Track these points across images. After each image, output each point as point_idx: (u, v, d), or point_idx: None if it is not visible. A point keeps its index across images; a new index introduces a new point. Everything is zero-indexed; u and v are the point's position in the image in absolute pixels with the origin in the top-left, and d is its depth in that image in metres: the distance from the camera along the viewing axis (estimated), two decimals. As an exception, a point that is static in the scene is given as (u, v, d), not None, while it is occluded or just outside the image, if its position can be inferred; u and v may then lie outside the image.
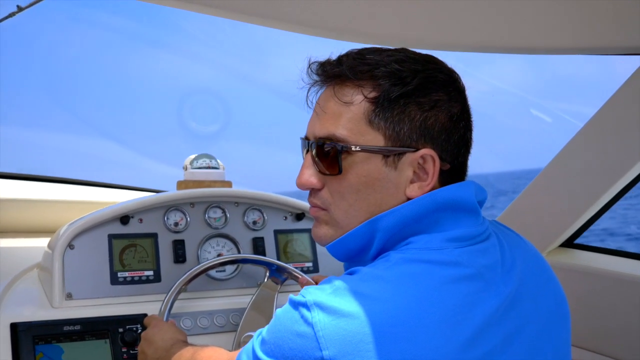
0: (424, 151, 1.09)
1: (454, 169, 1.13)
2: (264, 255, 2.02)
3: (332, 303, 0.98)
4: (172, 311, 1.74)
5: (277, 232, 2.08)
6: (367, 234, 1.11)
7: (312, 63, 1.15)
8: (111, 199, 2.40)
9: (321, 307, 0.98)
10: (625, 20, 1.54)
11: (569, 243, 1.99)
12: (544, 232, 1.97)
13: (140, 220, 1.92)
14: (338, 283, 1.02)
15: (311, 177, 1.15)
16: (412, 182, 1.10)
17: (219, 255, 1.99)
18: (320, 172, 1.14)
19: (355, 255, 1.16)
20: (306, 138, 1.17)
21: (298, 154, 1.22)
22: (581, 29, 1.61)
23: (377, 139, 1.08)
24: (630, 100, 1.68)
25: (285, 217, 2.11)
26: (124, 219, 1.89)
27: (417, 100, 1.08)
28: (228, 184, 2.13)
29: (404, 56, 1.11)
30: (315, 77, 1.15)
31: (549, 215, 1.96)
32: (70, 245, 1.81)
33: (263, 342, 1.03)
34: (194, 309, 1.87)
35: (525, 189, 1.98)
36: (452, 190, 1.11)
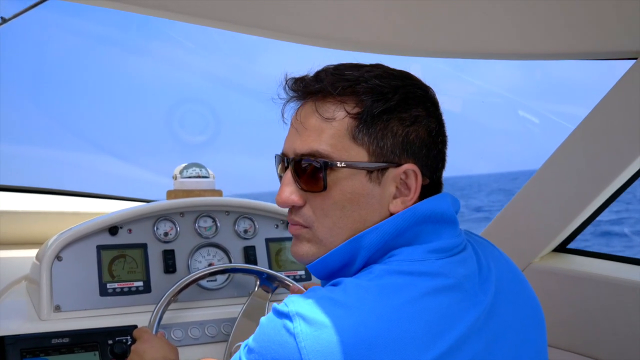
0: (407, 166, 1.09)
1: (432, 183, 1.14)
2: (256, 264, 2.00)
3: (314, 314, 0.98)
4: (163, 322, 1.72)
5: (268, 241, 2.07)
6: (350, 252, 1.11)
7: (289, 79, 1.14)
8: (100, 210, 2.38)
9: (303, 317, 0.98)
10: (617, 25, 1.54)
11: (562, 248, 1.99)
12: (537, 237, 1.96)
13: (130, 230, 1.90)
14: (321, 293, 1.02)
15: (292, 194, 1.13)
16: (394, 197, 1.10)
17: (209, 264, 1.97)
18: (302, 189, 1.12)
19: (337, 272, 1.15)
20: (283, 154, 1.16)
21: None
22: (573, 34, 1.61)
23: (360, 155, 1.08)
24: (620, 103, 1.68)
25: (277, 225, 2.10)
26: (113, 230, 1.87)
27: (399, 115, 1.09)
28: (218, 192, 2.11)
29: (382, 72, 1.11)
30: (292, 93, 1.14)
31: (542, 220, 1.95)
32: (59, 257, 1.78)
33: (249, 351, 1.03)
34: (184, 320, 1.85)
35: (517, 193, 1.98)
36: (431, 203, 1.12)
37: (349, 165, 1.07)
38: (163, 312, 1.71)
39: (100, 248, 1.85)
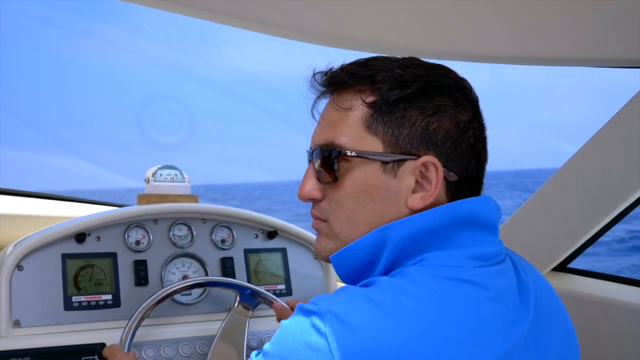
0: (426, 158, 1.00)
1: (463, 181, 1.04)
2: (234, 276, 1.87)
3: (348, 313, 0.88)
4: (134, 340, 1.57)
5: (247, 252, 1.93)
6: (376, 245, 1.02)
7: (316, 73, 1.09)
8: (65, 214, 2.20)
9: (336, 316, 0.88)
10: (630, 31, 1.46)
11: (562, 267, 1.90)
12: (536, 255, 1.87)
13: (98, 238, 1.74)
14: (355, 291, 0.93)
15: (312, 187, 1.09)
16: (414, 192, 1.02)
17: (184, 277, 1.82)
18: (319, 181, 1.08)
19: (361, 270, 1.05)
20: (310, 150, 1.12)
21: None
22: (584, 39, 1.53)
23: (375, 145, 1.02)
24: (633, 120, 1.60)
25: (256, 235, 1.96)
26: (80, 237, 1.71)
27: (418, 104, 1.01)
28: (194, 198, 1.97)
29: (408, 62, 1.05)
30: (320, 88, 1.09)
31: (542, 238, 1.86)
32: (19, 266, 1.62)
33: (266, 355, 0.93)
34: (156, 337, 1.70)
35: (518, 209, 1.88)
36: (472, 205, 1.02)
37: (360, 155, 1.02)
38: (136, 329, 1.56)
39: (65, 257, 1.69)
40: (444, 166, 1.01)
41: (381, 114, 1.01)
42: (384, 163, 1.01)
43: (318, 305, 0.90)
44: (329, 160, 1.04)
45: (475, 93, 1.07)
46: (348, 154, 1.02)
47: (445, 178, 1.01)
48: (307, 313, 0.91)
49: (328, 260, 1.09)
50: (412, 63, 1.04)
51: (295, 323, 0.92)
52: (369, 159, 1.02)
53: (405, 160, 1.01)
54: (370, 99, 1.02)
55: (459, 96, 1.03)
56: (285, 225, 1.97)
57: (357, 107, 1.03)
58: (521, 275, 1.06)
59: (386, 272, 1.02)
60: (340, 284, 2.21)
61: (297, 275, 1.96)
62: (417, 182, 1.01)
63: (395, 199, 1.02)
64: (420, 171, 1.00)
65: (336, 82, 1.06)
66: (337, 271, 1.09)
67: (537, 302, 1.04)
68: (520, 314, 0.98)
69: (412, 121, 1.00)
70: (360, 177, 1.03)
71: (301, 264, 1.99)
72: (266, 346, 0.94)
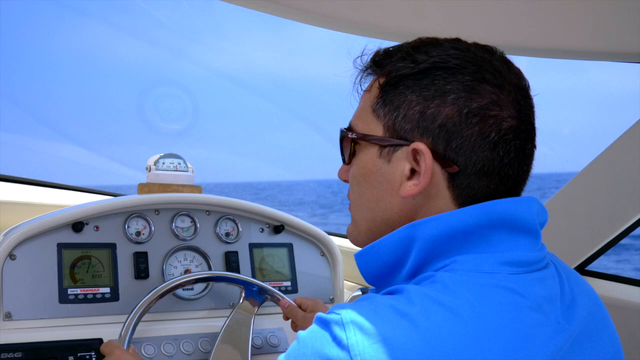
0: (416, 144, 0.92)
1: (473, 174, 0.92)
2: (238, 271, 1.77)
3: (372, 323, 0.80)
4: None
5: (252, 246, 1.83)
6: (403, 243, 0.93)
7: (357, 57, 1.04)
8: (61, 202, 2.09)
9: (360, 327, 0.79)
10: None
11: (581, 270, 1.82)
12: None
13: (97, 227, 1.64)
14: (380, 300, 0.84)
15: (341, 169, 1.07)
16: (409, 179, 0.94)
17: (186, 271, 1.73)
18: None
19: (387, 271, 0.97)
20: None
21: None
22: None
23: (377, 129, 0.97)
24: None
25: (262, 229, 1.87)
26: (77, 226, 1.61)
27: (418, 87, 0.93)
28: (198, 189, 1.87)
29: (435, 40, 0.97)
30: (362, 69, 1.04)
31: (562, 239, 1.78)
32: (11, 255, 1.52)
33: None
34: (156, 334, 1.60)
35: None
36: (510, 204, 0.92)
37: (360, 138, 0.99)
38: (136, 324, 1.47)
39: (61, 247, 1.59)
40: (441, 156, 0.91)
41: (385, 96, 0.96)
42: (382, 147, 0.97)
43: (340, 315, 0.82)
44: (342, 142, 1.04)
45: (516, 80, 0.95)
46: (349, 135, 1.01)
47: (445, 169, 0.92)
48: (327, 323, 0.83)
49: (359, 245, 1.04)
50: (438, 41, 0.96)
51: (314, 334, 0.83)
52: (370, 142, 0.98)
53: (401, 146, 0.94)
54: (382, 79, 0.98)
55: (474, 82, 0.92)
56: (293, 220, 1.88)
57: (373, 90, 0.99)
58: (564, 284, 0.97)
59: (413, 274, 0.94)
60: (348, 283, 2.11)
61: (304, 272, 1.87)
62: (412, 170, 0.94)
63: (388, 185, 0.96)
64: (414, 158, 0.93)
65: (367, 66, 1.02)
66: (361, 271, 1.01)
67: (583, 314, 0.95)
68: (562, 325, 0.89)
69: (409, 104, 0.93)
70: (362, 160, 1.00)
71: (308, 261, 1.90)
72: (280, 358, 0.86)
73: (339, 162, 1.08)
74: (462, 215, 0.91)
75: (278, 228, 1.87)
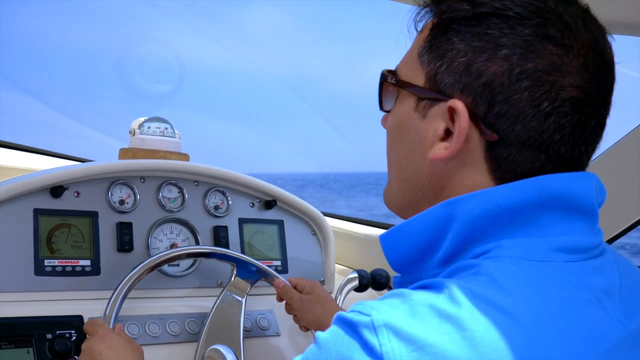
0: (453, 102, 0.79)
1: (516, 145, 0.79)
2: (227, 247, 1.64)
3: (412, 327, 0.67)
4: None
5: (242, 221, 1.71)
6: (439, 223, 0.81)
7: None
8: (37, 167, 1.91)
9: (395, 331, 0.67)
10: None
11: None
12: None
13: (77, 193, 1.49)
14: (416, 298, 0.70)
15: (385, 117, 0.95)
16: (442, 140, 0.82)
17: (172, 245, 1.59)
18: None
19: (417, 256, 0.84)
20: None
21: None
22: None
23: (419, 78, 0.85)
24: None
25: (252, 204, 1.74)
26: (56, 190, 1.45)
27: (468, 35, 0.80)
28: (185, 157, 1.73)
29: None
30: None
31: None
32: (-18, 220, 1.36)
33: None
34: (140, 312, 1.47)
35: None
36: (566, 181, 0.80)
37: (398, 85, 0.87)
38: (122, 301, 1.34)
39: (38, 212, 1.43)
40: (481, 119, 0.79)
41: (432, 41, 0.83)
42: (419, 99, 0.84)
43: (370, 317, 0.69)
44: (380, 87, 0.91)
45: (591, 42, 0.80)
46: (388, 80, 0.89)
47: (484, 137, 0.80)
48: (355, 326, 0.70)
49: (390, 207, 0.94)
50: None
51: (339, 338, 0.71)
52: (408, 92, 0.86)
53: (439, 100, 0.82)
54: (435, 21, 0.84)
55: (532, 35, 0.77)
56: (285, 195, 1.76)
57: (424, 31, 0.86)
58: (623, 274, 0.85)
59: (448, 259, 0.81)
60: (340, 267, 2.00)
61: (294, 251, 1.76)
62: (447, 130, 0.81)
63: (420, 143, 0.84)
64: (452, 118, 0.80)
65: (426, 2, 0.88)
66: (386, 254, 0.88)
67: None
68: (622, 322, 0.79)
69: (455, 54, 0.80)
70: (397, 110, 0.89)
71: (298, 240, 1.78)
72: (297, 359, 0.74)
73: None
74: (509, 191, 0.78)
75: (269, 203, 1.75)
